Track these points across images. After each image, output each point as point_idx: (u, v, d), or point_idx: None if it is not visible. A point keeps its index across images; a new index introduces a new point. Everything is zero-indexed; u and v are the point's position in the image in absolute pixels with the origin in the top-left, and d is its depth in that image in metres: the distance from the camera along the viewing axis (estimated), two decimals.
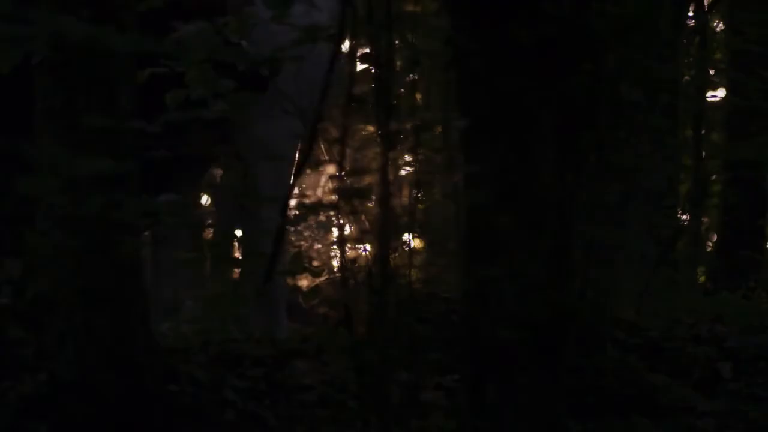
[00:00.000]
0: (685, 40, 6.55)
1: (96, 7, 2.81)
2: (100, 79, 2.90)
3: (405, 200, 3.03)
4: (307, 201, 3.15)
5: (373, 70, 2.87)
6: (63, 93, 2.90)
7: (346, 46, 3.02)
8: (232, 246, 5.35)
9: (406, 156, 2.96)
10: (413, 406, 2.96)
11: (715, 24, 9.04)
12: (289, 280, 5.39)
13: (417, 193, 3.04)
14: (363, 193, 2.90)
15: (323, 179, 5.28)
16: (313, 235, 7.67)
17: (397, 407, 2.90)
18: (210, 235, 5.59)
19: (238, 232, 5.21)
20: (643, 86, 3.29)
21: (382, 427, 2.85)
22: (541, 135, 2.94)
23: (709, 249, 8.33)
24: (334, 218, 3.01)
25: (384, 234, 2.85)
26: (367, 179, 2.90)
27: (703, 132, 8.14)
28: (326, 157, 3.05)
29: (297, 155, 4.59)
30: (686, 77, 6.68)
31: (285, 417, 3.16)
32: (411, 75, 3.20)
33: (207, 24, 3.06)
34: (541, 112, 2.93)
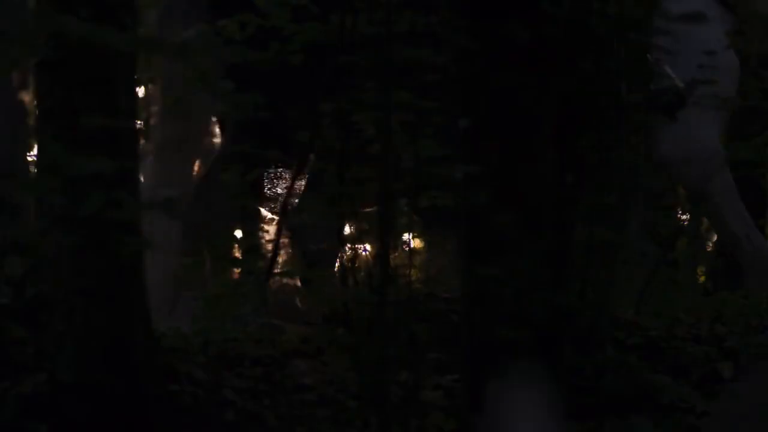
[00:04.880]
0: None
1: (95, 7, 2.81)
2: (100, 78, 2.90)
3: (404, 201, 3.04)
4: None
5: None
6: (62, 92, 2.90)
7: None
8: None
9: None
10: (413, 406, 2.96)
11: None
12: (289, 281, 5.40)
13: (416, 193, 3.04)
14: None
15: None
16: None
17: (397, 407, 2.90)
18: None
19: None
20: (642, 85, 3.29)
21: (382, 427, 2.85)
22: (541, 135, 2.94)
23: (709, 249, 8.31)
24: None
25: (384, 234, 2.84)
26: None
27: None
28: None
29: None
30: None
31: (285, 417, 3.16)
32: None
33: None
34: (541, 113, 2.93)
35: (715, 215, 5.27)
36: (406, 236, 3.30)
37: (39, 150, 3.11)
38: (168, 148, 5.03)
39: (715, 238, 8.08)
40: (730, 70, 5.13)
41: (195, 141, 5.12)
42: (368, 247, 3.16)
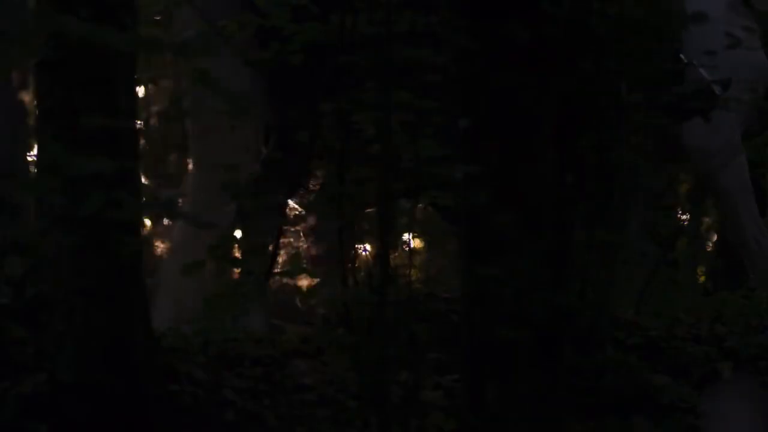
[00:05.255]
0: None
1: (95, 7, 2.81)
2: (100, 78, 2.90)
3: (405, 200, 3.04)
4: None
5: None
6: (62, 92, 2.90)
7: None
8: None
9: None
10: (413, 406, 2.96)
11: None
12: (289, 281, 5.40)
13: (417, 193, 3.04)
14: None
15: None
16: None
17: (397, 407, 2.90)
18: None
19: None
20: (643, 86, 3.30)
21: (382, 427, 2.85)
22: (541, 135, 2.94)
23: (709, 249, 8.32)
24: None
25: (384, 234, 2.85)
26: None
27: None
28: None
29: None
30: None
31: (285, 417, 3.16)
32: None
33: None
34: (541, 113, 2.93)
35: (727, 213, 5.28)
36: (406, 236, 3.30)
37: (39, 150, 3.11)
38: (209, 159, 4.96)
39: (715, 238, 8.09)
40: (759, 69, 5.18)
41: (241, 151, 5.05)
42: (368, 247, 3.16)
